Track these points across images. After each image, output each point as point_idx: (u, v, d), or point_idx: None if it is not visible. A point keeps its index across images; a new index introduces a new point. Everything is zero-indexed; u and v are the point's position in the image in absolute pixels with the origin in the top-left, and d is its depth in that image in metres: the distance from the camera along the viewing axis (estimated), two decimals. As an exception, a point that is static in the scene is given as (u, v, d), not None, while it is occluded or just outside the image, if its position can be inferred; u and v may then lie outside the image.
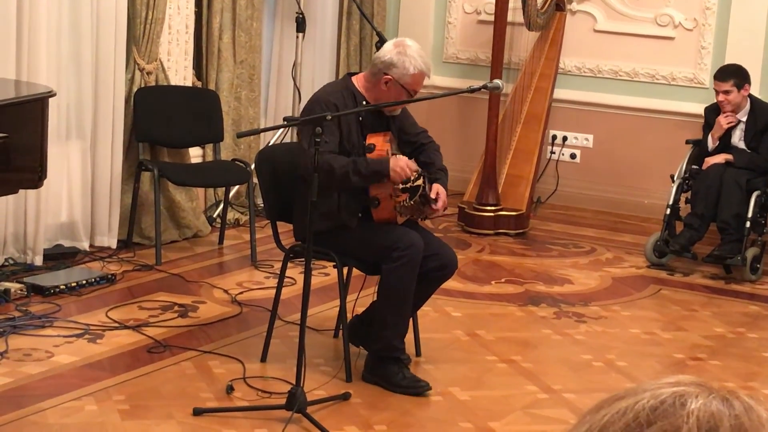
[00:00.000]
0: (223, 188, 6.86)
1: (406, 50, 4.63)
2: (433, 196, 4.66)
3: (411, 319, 4.84)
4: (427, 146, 4.86)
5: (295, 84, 7.33)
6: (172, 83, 6.61)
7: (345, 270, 4.86)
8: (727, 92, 6.62)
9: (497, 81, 5.03)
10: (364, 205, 4.66)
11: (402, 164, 4.54)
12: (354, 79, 4.77)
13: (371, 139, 4.63)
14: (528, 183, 7.53)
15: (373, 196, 4.60)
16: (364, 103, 4.68)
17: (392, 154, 4.63)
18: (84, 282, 5.60)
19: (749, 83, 6.69)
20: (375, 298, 4.73)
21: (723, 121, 6.67)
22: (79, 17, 6.01)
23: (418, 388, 4.58)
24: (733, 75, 6.65)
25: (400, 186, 4.57)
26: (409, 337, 4.83)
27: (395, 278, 4.54)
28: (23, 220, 5.81)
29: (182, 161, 6.62)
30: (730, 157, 6.65)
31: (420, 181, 4.60)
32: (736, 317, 5.91)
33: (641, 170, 7.86)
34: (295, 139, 5.88)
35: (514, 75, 7.89)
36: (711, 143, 6.74)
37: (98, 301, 5.45)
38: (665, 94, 7.83)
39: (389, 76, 4.61)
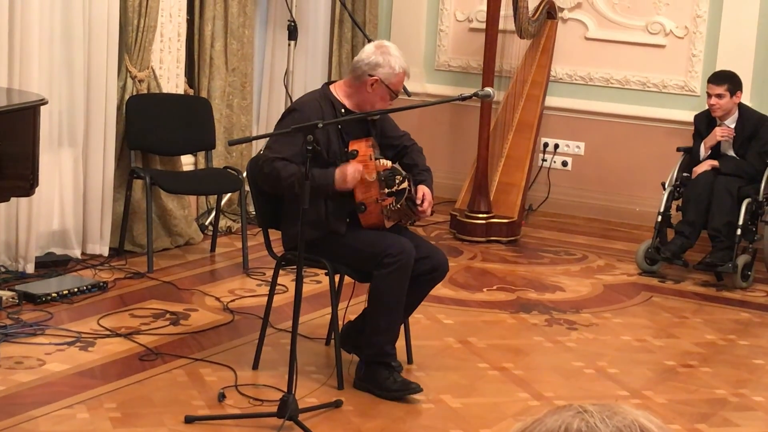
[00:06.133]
0: (215, 196, 6.86)
1: (389, 50, 4.66)
2: (418, 197, 4.66)
3: (402, 326, 4.84)
4: (409, 148, 4.86)
5: (287, 92, 7.33)
6: (164, 91, 6.61)
7: (336, 278, 4.86)
8: (719, 96, 6.64)
9: (488, 89, 5.03)
10: (351, 210, 4.66)
11: (349, 170, 4.49)
12: (332, 87, 4.75)
13: (354, 146, 4.62)
14: (520, 190, 7.54)
15: (359, 202, 4.60)
16: (343, 111, 4.67)
17: (375, 159, 4.62)
18: (76, 290, 5.60)
19: (741, 91, 6.72)
20: (367, 305, 4.72)
21: (719, 132, 6.68)
22: (71, 25, 6.00)
23: (409, 390, 4.56)
24: (727, 80, 6.67)
25: (386, 190, 4.57)
26: (401, 344, 4.83)
27: (387, 284, 4.53)
28: (15, 228, 5.80)
29: (174, 169, 6.62)
30: (716, 163, 6.67)
31: (405, 184, 4.59)
32: (727, 324, 5.92)
33: (632, 178, 7.88)
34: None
35: (505, 83, 7.91)
36: (703, 151, 6.76)
37: (90, 309, 5.45)
38: (656, 102, 7.85)
39: (375, 77, 4.62)
